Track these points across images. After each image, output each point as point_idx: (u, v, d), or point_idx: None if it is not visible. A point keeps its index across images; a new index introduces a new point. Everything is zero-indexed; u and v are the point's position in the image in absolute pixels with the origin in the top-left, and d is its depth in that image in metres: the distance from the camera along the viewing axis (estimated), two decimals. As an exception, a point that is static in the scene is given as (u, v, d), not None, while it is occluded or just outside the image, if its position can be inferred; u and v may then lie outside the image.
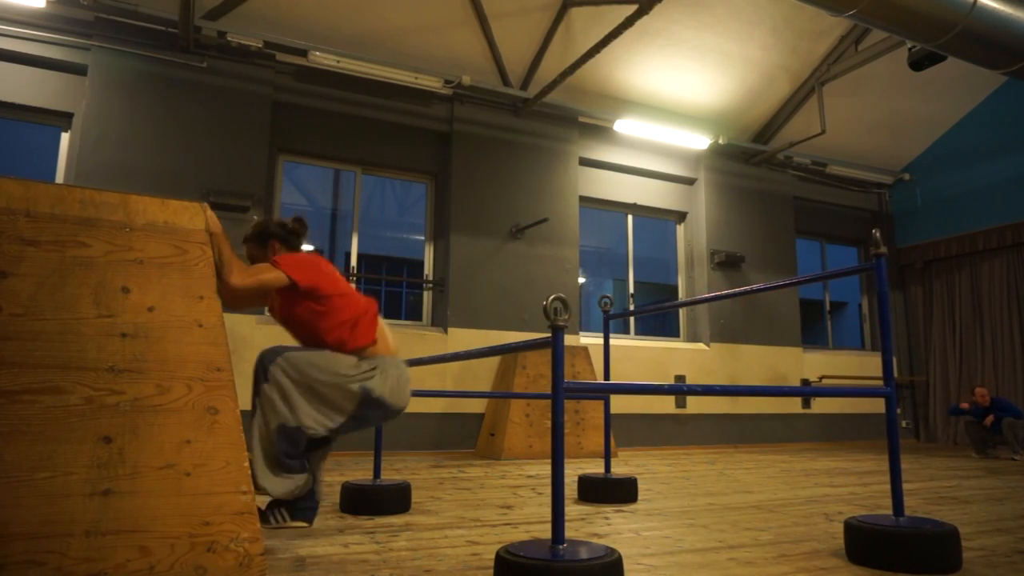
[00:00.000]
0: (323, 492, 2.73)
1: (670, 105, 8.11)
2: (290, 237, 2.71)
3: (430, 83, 6.72)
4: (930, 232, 9.36)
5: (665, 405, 7.72)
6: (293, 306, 2.54)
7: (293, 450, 2.41)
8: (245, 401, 2.46)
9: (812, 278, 3.05)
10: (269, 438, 2.39)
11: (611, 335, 4.37)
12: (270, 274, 2.44)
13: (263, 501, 2.40)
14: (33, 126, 6.14)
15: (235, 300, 2.43)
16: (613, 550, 1.91)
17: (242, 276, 2.33)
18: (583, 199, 7.95)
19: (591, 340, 7.30)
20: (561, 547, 1.88)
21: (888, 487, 2.52)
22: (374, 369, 2.52)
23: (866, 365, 9.03)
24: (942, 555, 2.22)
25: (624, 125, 7.59)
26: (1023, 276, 8.37)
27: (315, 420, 2.43)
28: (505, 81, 7.26)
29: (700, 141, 7.96)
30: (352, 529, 2.84)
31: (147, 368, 1.86)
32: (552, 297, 1.93)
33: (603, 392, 4.43)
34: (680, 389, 2.38)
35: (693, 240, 8.60)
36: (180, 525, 1.71)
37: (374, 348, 2.58)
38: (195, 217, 2.13)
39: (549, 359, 4.16)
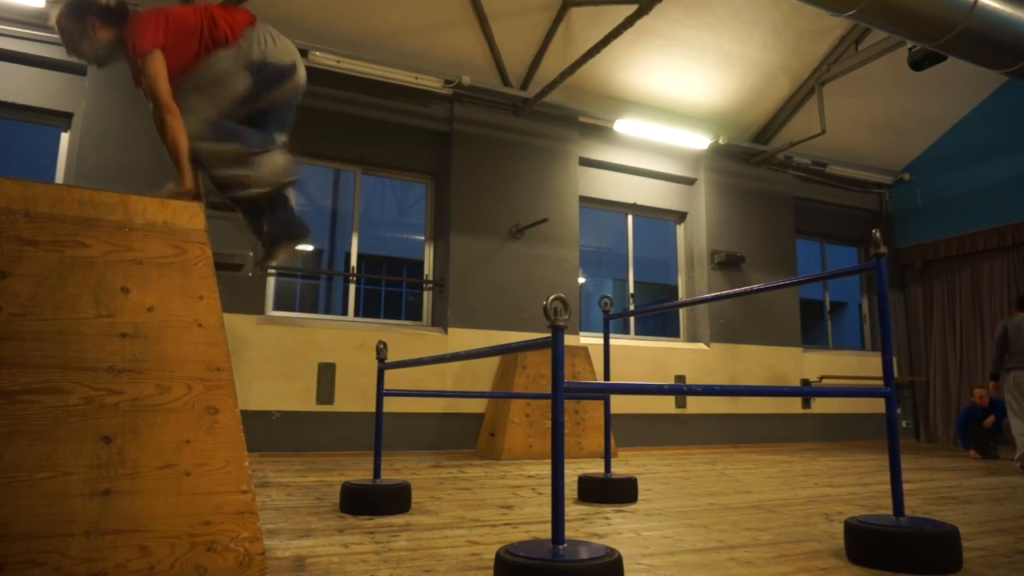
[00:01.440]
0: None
1: (670, 105, 8.10)
2: (110, 15, 2.66)
3: (430, 83, 6.72)
4: (930, 232, 9.36)
5: (665, 405, 7.72)
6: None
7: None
8: (244, 401, 2.45)
9: (812, 278, 3.05)
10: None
11: (611, 335, 4.37)
12: (154, 64, 2.52)
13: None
14: (33, 126, 6.13)
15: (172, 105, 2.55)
16: (613, 550, 1.91)
17: (158, 94, 2.49)
18: (583, 199, 7.95)
19: (591, 340, 7.30)
20: (561, 547, 1.88)
21: (888, 487, 2.52)
22: (244, 46, 2.68)
23: (866, 365, 9.02)
24: (942, 555, 2.22)
25: (624, 125, 7.60)
26: (1023, 276, 8.37)
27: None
28: (505, 81, 7.26)
29: (700, 141, 7.96)
30: (352, 529, 2.84)
31: (147, 368, 1.86)
32: (552, 297, 1.93)
33: (603, 392, 4.43)
34: (680, 389, 2.38)
35: (693, 240, 8.60)
36: (180, 525, 1.71)
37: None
38: (195, 217, 2.13)
39: (549, 359, 4.16)
